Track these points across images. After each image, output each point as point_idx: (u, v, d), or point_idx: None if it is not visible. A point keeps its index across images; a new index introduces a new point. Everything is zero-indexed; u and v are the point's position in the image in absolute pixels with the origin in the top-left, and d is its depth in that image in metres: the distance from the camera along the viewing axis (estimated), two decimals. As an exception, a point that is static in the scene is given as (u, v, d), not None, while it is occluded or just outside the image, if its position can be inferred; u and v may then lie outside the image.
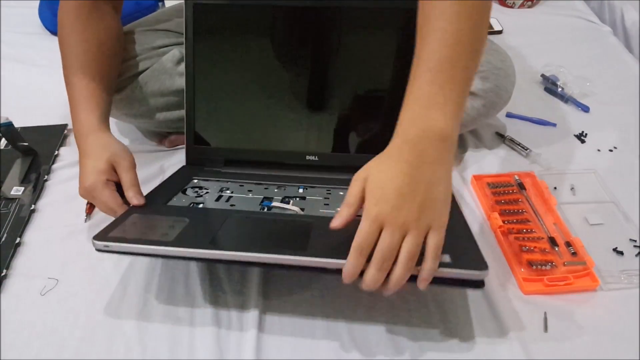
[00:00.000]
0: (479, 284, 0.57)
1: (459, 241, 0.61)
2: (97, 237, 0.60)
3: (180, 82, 0.88)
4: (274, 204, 0.72)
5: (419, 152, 0.55)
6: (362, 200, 0.55)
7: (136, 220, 0.66)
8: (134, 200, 0.70)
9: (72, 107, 0.78)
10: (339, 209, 0.57)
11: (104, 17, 0.82)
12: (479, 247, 0.60)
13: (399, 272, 0.54)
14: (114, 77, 0.85)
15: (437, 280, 0.56)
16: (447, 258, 0.56)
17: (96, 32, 0.80)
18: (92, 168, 0.71)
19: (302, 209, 0.71)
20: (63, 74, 0.80)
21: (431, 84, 0.56)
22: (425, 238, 0.54)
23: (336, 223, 0.56)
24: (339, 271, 0.55)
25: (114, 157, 0.72)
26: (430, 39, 0.57)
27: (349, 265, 0.54)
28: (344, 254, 0.54)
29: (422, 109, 0.56)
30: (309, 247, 0.59)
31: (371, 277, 0.54)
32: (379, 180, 0.55)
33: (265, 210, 0.71)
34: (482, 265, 0.57)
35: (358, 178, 0.56)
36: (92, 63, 0.79)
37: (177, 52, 0.90)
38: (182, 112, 0.87)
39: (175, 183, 0.78)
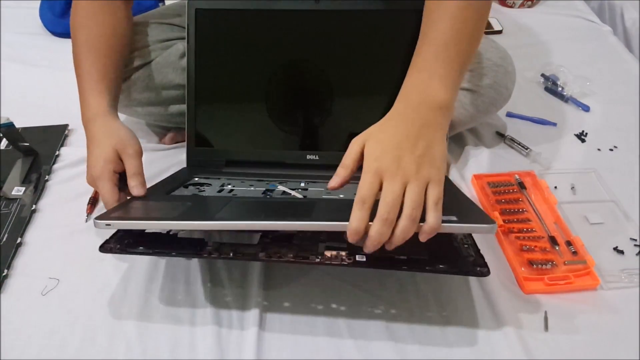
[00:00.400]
0: (483, 272, 0.57)
1: (462, 205, 0.61)
2: (99, 218, 0.59)
3: (183, 76, 0.88)
4: (279, 187, 0.71)
5: (418, 116, 0.59)
6: (360, 161, 0.57)
7: (138, 205, 0.66)
8: (135, 190, 0.69)
9: (80, 91, 0.77)
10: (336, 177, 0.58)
11: (117, 9, 0.82)
12: (482, 210, 0.60)
13: (404, 224, 0.53)
14: (123, 66, 0.85)
15: (443, 261, 0.56)
16: (453, 218, 0.56)
17: (109, 20, 0.81)
18: (99, 156, 0.70)
19: (305, 197, 0.71)
20: (73, 58, 0.79)
21: (435, 59, 0.62)
22: (425, 193, 0.55)
23: (333, 183, 0.58)
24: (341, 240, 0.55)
25: (120, 144, 0.71)
26: (439, 21, 0.63)
27: (353, 220, 0.54)
28: (347, 219, 0.54)
29: (425, 79, 0.61)
30: (312, 216, 0.59)
31: (376, 231, 0.53)
32: (378, 139, 0.57)
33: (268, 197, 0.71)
34: (488, 220, 0.56)
35: (356, 141, 0.58)
36: (104, 49, 0.79)
37: (180, 46, 0.90)
38: (183, 107, 0.87)
39: (176, 180, 0.78)
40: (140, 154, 0.73)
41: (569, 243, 0.76)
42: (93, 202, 0.84)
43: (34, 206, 0.84)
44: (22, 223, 0.81)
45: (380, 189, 0.54)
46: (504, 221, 0.79)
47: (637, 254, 0.76)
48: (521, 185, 0.86)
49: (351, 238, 0.54)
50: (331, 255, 0.61)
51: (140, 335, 0.67)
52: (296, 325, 0.67)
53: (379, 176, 0.54)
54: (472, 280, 0.72)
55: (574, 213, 0.82)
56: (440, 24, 0.63)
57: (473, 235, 0.65)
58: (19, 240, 0.78)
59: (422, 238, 0.55)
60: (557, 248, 0.75)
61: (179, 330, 0.67)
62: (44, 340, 0.66)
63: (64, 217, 0.83)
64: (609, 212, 0.82)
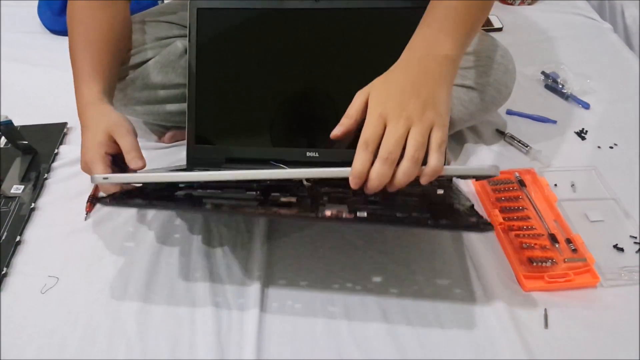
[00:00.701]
0: (486, 227, 0.55)
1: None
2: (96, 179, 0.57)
3: (183, 76, 0.88)
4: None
5: (424, 67, 0.60)
6: (364, 112, 0.57)
7: (137, 171, 0.66)
8: (133, 163, 0.67)
9: (75, 80, 0.77)
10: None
11: (114, 7, 0.82)
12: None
13: (406, 164, 0.53)
14: (119, 60, 0.85)
15: (445, 218, 0.55)
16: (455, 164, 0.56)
17: (106, 17, 0.80)
18: (91, 140, 0.70)
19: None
20: (69, 48, 0.79)
21: (444, 17, 0.63)
22: (429, 137, 0.55)
23: (336, 131, 0.58)
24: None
25: (112, 127, 0.70)
26: None
27: (356, 162, 0.54)
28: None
29: (433, 32, 0.62)
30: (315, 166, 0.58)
31: (377, 171, 0.53)
32: (382, 87, 0.58)
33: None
34: (491, 166, 0.56)
35: (361, 92, 0.59)
36: (99, 43, 0.79)
37: (179, 44, 0.89)
38: (183, 106, 0.86)
39: (176, 169, 0.78)
40: (132, 131, 0.71)
41: (568, 241, 0.76)
42: (92, 200, 0.84)
43: (33, 204, 0.84)
44: (21, 221, 0.81)
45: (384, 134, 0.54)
46: (503, 219, 0.79)
47: (637, 252, 0.76)
48: (521, 183, 0.85)
49: (354, 182, 0.54)
50: (331, 213, 0.58)
51: (140, 334, 0.67)
52: (296, 325, 0.68)
53: (383, 119, 0.55)
54: (473, 278, 0.72)
55: (574, 211, 0.82)
56: None
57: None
58: (18, 238, 0.78)
59: (424, 180, 0.54)
60: (557, 246, 0.75)
61: (179, 329, 0.67)
62: (44, 339, 0.66)
63: (64, 216, 0.83)
64: (609, 210, 0.82)
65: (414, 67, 0.60)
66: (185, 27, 0.83)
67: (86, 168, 0.71)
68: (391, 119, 0.55)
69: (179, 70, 0.88)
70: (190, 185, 0.64)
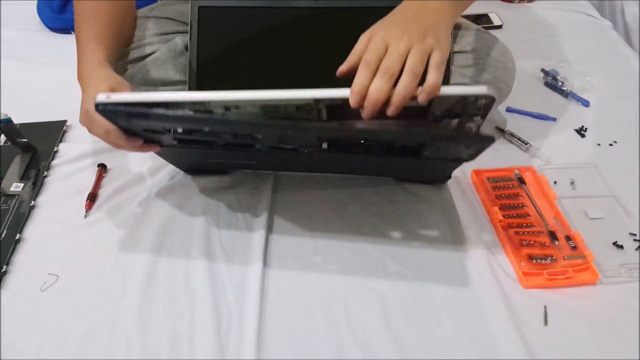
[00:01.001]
0: (489, 139, 0.56)
1: None
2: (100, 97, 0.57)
3: (183, 73, 0.87)
4: None
5: (424, 6, 0.61)
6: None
7: None
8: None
9: (79, 49, 0.76)
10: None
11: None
12: None
13: (405, 78, 0.54)
14: (123, 37, 0.84)
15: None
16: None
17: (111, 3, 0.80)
18: (93, 93, 0.67)
19: None
20: (74, 21, 0.79)
21: None
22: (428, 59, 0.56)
23: (343, 68, 0.59)
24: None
25: (115, 85, 0.69)
26: None
27: (357, 79, 0.55)
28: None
29: None
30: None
31: (376, 85, 0.54)
32: (384, 21, 0.60)
33: None
34: (488, 87, 0.56)
35: (365, 33, 0.60)
36: (107, 13, 0.78)
37: (179, 41, 0.88)
38: None
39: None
40: (129, 89, 0.71)
41: (568, 238, 0.76)
42: (92, 198, 0.84)
43: (32, 202, 0.84)
44: (21, 219, 0.81)
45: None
46: (503, 216, 0.79)
47: (636, 249, 0.76)
48: (521, 181, 0.85)
49: (354, 98, 0.55)
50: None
51: (140, 331, 0.67)
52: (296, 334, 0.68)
53: (385, 42, 0.56)
54: (473, 275, 0.72)
55: (574, 208, 0.82)
56: None
57: None
58: (18, 236, 0.78)
59: (422, 98, 0.55)
60: (556, 243, 0.75)
61: (179, 326, 0.67)
62: (44, 337, 0.67)
63: (63, 213, 0.83)
64: (608, 207, 0.82)
65: (414, 7, 0.61)
66: (185, 23, 0.83)
67: (86, 120, 0.69)
68: (392, 40, 0.56)
69: (179, 67, 0.88)
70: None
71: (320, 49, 0.82)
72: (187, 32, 0.84)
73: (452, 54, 0.85)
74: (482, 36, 0.88)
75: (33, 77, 1.15)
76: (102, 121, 0.67)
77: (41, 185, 0.87)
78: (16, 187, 0.86)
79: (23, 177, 0.88)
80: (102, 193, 0.86)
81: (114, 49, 0.80)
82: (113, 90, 0.68)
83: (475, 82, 0.85)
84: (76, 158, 0.92)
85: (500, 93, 0.89)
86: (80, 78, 0.74)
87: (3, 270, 0.74)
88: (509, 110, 1.02)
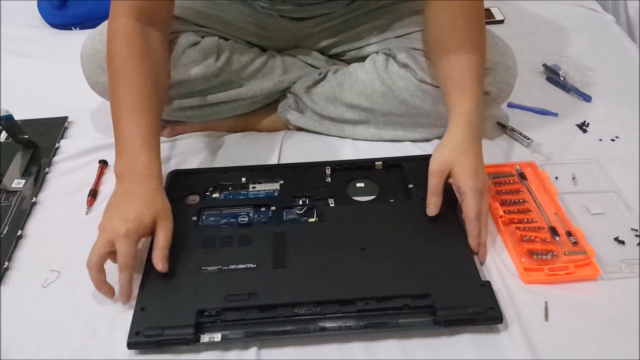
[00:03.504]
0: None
1: None
2: None
3: (183, 73, 0.87)
4: None
5: (477, 138, 0.76)
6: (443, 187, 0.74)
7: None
8: (160, 265, 0.68)
9: (126, 145, 0.73)
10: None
11: (154, 47, 0.79)
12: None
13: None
14: (163, 102, 0.83)
15: None
16: None
17: (149, 66, 0.77)
18: (138, 215, 0.68)
19: None
20: (111, 103, 0.76)
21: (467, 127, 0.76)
22: None
23: (432, 212, 0.75)
24: None
25: (159, 214, 0.70)
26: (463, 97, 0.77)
27: (476, 235, 0.72)
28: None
29: (470, 99, 0.77)
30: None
31: (484, 236, 0.73)
32: (465, 163, 0.73)
33: None
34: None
35: (437, 168, 0.74)
36: (147, 104, 0.75)
37: (182, 40, 0.88)
38: (183, 102, 0.86)
39: None
40: (172, 229, 0.71)
41: (569, 233, 0.75)
42: (93, 194, 0.84)
43: (34, 198, 0.84)
44: (23, 215, 0.81)
45: None
46: (504, 212, 0.79)
47: (637, 244, 0.75)
48: (522, 176, 0.85)
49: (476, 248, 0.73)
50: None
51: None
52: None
53: (480, 194, 0.72)
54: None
55: (575, 203, 0.82)
56: (465, 101, 0.76)
57: None
58: (19, 232, 0.78)
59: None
60: (557, 238, 0.75)
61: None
62: (45, 333, 0.67)
63: (65, 210, 0.83)
64: (610, 203, 0.82)
65: (473, 137, 0.75)
66: (188, 20, 0.81)
67: (114, 233, 0.67)
68: (484, 193, 0.73)
69: (180, 67, 0.87)
70: None
71: None
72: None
73: None
74: None
75: (34, 73, 1.14)
76: (130, 249, 0.67)
77: (42, 181, 0.87)
78: (17, 183, 0.86)
79: (24, 174, 0.88)
80: (104, 189, 0.86)
81: (158, 136, 0.77)
82: (155, 220, 0.69)
83: None
84: (77, 154, 0.92)
85: (502, 93, 0.88)
86: (131, 173, 0.72)
87: (5, 266, 0.74)
88: (510, 105, 1.02)
